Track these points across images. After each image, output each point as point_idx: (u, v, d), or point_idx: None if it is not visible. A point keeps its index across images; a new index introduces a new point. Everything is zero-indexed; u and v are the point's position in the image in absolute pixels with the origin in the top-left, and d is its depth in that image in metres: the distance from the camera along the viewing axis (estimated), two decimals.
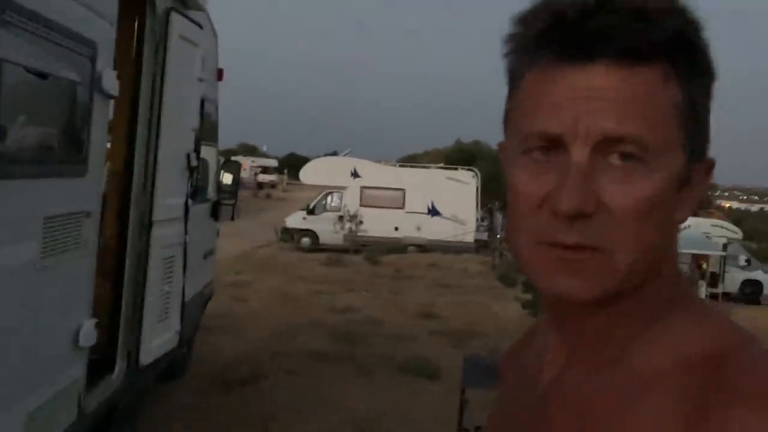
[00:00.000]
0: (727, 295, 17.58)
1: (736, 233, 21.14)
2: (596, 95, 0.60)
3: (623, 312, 0.66)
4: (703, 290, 8.47)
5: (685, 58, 0.62)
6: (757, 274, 19.27)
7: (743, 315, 10.68)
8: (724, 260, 17.95)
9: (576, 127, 0.60)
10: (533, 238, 0.63)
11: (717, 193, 50.15)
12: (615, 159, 0.60)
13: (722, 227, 20.44)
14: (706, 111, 0.65)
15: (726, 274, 18.14)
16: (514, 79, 0.68)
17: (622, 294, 0.64)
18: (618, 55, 0.60)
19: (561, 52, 0.61)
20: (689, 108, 0.62)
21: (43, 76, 2.69)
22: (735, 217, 32.98)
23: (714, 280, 17.32)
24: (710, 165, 0.67)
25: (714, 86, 0.65)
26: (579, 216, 0.60)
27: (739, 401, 0.55)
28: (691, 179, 0.65)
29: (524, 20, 0.65)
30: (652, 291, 0.66)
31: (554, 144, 0.62)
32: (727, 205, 50.28)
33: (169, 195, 4.24)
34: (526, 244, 0.64)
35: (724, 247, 18.11)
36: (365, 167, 21.52)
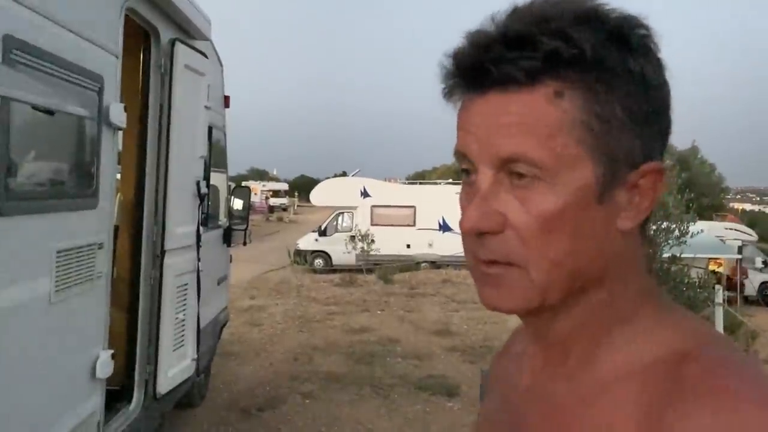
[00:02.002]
0: (745, 299, 17.37)
1: (751, 235, 20.93)
2: (488, 122, 0.65)
3: (584, 317, 0.69)
4: (720, 294, 8.35)
5: (578, 72, 0.63)
6: None
7: (764, 318, 10.55)
8: (740, 263, 17.76)
9: (474, 150, 0.66)
10: (468, 256, 0.70)
11: (729, 196, 49.77)
12: (515, 179, 0.65)
13: (736, 230, 20.24)
14: (634, 114, 0.65)
15: (743, 277, 17.93)
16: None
17: (552, 305, 0.67)
18: (500, 84, 0.64)
19: (465, 88, 0.68)
20: (597, 118, 0.63)
21: (51, 111, 2.73)
22: (749, 219, 32.72)
23: (731, 283, 17.13)
24: (655, 169, 0.67)
25: (646, 86, 0.65)
26: (483, 234, 0.65)
27: (694, 400, 0.56)
28: (632, 185, 0.66)
29: (449, 56, 0.69)
30: (600, 297, 0.68)
31: (473, 168, 0.67)
32: (740, 208, 49.90)
33: (181, 223, 4.26)
34: (468, 260, 0.70)
35: (740, 249, 17.93)
36: (375, 186, 21.52)
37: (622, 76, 0.64)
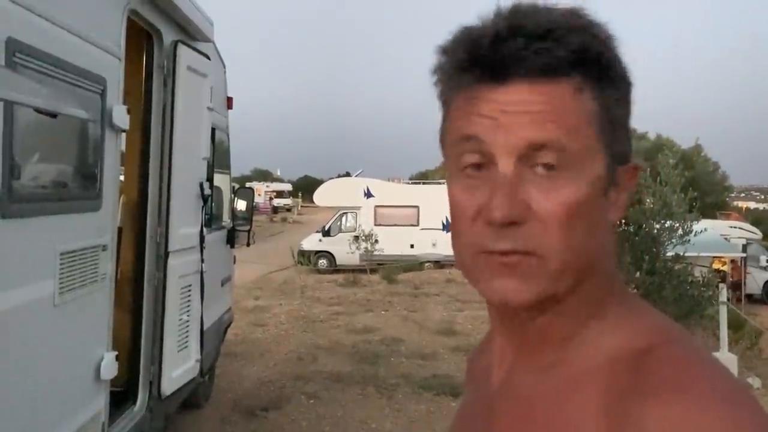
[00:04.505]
0: (749, 297, 17.32)
1: (756, 234, 20.85)
2: (515, 109, 0.65)
3: (561, 312, 0.70)
4: (724, 293, 8.34)
5: (595, 71, 0.66)
6: None
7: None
8: (744, 261, 17.70)
9: (498, 138, 0.65)
10: (472, 249, 0.68)
11: (733, 194, 49.63)
12: (539, 169, 0.65)
13: (740, 228, 20.16)
14: (624, 118, 0.70)
15: (747, 276, 17.87)
16: (445, 105, 0.73)
17: (558, 295, 0.67)
18: (529, 74, 0.65)
19: (480, 78, 0.67)
20: (606, 116, 0.67)
21: (54, 114, 2.73)
22: (753, 218, 32.63)
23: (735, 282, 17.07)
24: (633, 168, 0.71)
25: (630, 94, 0.70)
26: (511, 224, 0.64)
27: (656, 394, 0.58)
28: (618, 182, 0.70)
29: (446, 50, 0.70)
30: (588, 290, 0.70)
31: (485, 159, 0.67)
32: (744, 206, 49.75)
33: (184, 225, 4.27)
34: (467, 254, 0.69)
35: (744, 248, 17.87)
36: (378, 186, 21.53)
37: (621, 75, 0.69)
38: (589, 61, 0.65)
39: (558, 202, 0.64)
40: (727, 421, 0.55)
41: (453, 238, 0.71)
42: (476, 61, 0.67)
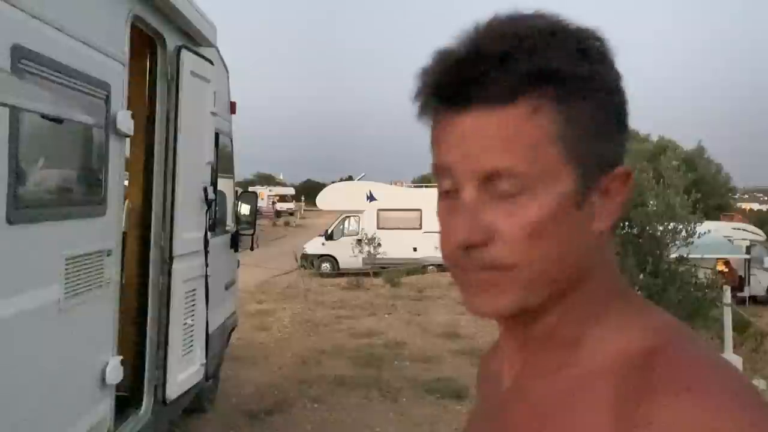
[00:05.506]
0: (753, 299, 17.27)
1: (760, 235, 20.79)
2: (473, 137, 0.67)
3: (561, 317, 0.71)
4: (728, 295, 8.32)
5: (553, 88, 0.66)
6: None
7: None
8: (748, 263, 17.65)
9: (460, 166, 0.68)
10: (449, 263, 0.72)
11: (736, 196, 49.53)
12: (499, 192, 0.67)
13: (744, 230, 20.11)
14: (604, 125, 0.69)
15: (752, 277, 17.83)
16: (429, 128, 0.74)
17: (536, 306, 0.70)
18: (482, 101, 0.66)
19: (447, 104, 0.69)
20: (572, 130, 0.66)
21: (59, 120, 2.75)
22: (757, 219, 32.54)
23: (739, 283, 17.02)
24: (623, 173, 0.70)
25: (612, 100, 0.69)
26: (472, 246, 0.67)
27: (666, 394, 0.59)
28: (606, 190, 0.70)
29: (421, 76, 0.72)
30: (586, 295, 0.71)
31: (456, 186, 0.69)
32: (748, 208, 49.66)
33: (188, 229, 4.28)
34: (449, 267, 0.73)
35: (748, 249, 17.82)
36: (381, 190, 21.54)
37: (590, 86, 0.67)
38: (545, 80, 0.65)
39: (519, 226, 0.66)
40: (738, 420, 0.56)
41: (441, 253, 0.74)
42: (440, 89, 0.69)
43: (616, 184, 0.70)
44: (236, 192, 6.88)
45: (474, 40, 0.68)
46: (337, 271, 19.66)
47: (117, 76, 3.29)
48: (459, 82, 0.67)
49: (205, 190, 4.55)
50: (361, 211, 20.72)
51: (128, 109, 3.44)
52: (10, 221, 2.40)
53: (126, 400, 3.90)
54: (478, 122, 0.66)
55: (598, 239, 0.71)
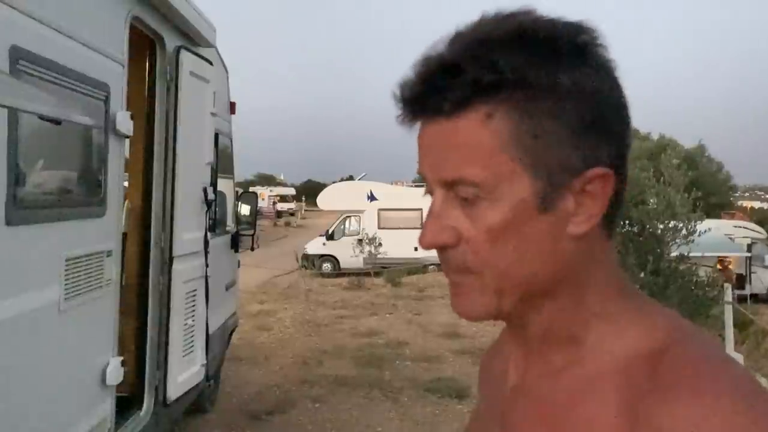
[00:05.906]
0: (755, 297, 17.26)
1: (761, 233, 20.77)
2: (434, 148, 0.69)
3: (555, 318, 0.72)
4: (729, 293, 8.32)
5: (507, 95, 0.65)
6: None
7: None
8: (749, 261, 17.64)
9: (426, 174, 0.71)
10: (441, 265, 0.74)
11: (737, 194, 49.52)
12: (462, 198, 0.68)
13: (745, 228, 20.10)
14: (569, 127, 0.65)
15: (753, 275, 17.81)
16: None
17: (509, 309, 0.70)
18: (438, 112, 0.67)
19: (411, 114, 0.71)
20: (529, 136, 0.65)
21: (58, 121, 2.74)
22: (758, 217, 32.52)
23: (740, 281, 17.00)
24: (599, 174, 0.67)
25: (573, 103, 0.65)
26: (438, 248, 0.70)
27: (674, 394, 0.59)
28: (582, 191, 0.67)
29: (398, 85, 0.72)
30: (579, 295, 0.71)
31: (429, 191, 0.72)
32: (749, 205, 49.62)
33: (188, 230, 4.28)
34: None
35: (749, 247, 17.82)
36: (381, 189, 21.53)
37: (551, 90, 0.65)
38: (494, 87, 0.64)
39: (480, 230, 0.67)
40: (747, 419, 0.56)
41: None
42: (405, 101, 0.70)
43: (593, 185, 0.67)
44: (236, 192, 6.88)
45: (440, 49, 0.68)
46: (338, 271, 19.65)
47: (116, 77, 3.29)
48: (420, 93, 0.68)
49: (205, 190, 4.55)
50: (361, 211, 20.72)
51: (128, 109, 3.43)
52: (9, 222, 2.40)
53: (127, 401, 3.90)
54: (438, 133, 0.68)
55: (579, 242, 0.69)
